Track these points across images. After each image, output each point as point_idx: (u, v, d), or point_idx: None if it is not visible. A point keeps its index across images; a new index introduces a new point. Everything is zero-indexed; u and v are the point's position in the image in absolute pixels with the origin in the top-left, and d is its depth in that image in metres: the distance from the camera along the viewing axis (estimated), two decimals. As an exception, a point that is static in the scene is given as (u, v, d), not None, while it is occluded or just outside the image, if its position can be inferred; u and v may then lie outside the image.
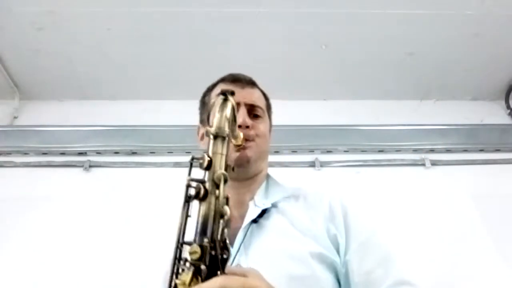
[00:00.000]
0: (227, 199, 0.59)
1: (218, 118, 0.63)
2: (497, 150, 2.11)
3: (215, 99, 0.67)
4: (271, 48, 2.02)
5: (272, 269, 0.67)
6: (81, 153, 2.05)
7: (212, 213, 0.57)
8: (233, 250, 0.78)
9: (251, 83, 0.98)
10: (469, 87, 2.27)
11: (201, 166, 0.60)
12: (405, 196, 1.91)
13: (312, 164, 2.03)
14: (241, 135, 0.78)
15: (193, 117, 2.17)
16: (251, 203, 0.88)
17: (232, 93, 0.67)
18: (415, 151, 2.10)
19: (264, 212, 0.85)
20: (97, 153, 2.06)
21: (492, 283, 1.70)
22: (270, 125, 1.01)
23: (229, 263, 0.75)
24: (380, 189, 1.94)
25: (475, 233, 1.82)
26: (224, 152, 0.62)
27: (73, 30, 1.95)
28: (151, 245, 1.74)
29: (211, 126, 0.63)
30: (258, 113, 0.94)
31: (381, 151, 2.09)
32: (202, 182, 0.59)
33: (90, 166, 2.01)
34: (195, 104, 2.36)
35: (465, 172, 2.03)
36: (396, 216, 1.82)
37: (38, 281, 1.66)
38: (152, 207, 1.85)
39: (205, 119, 0.96)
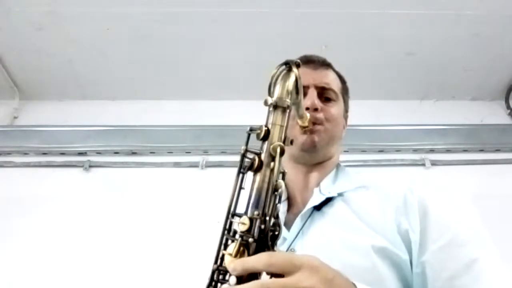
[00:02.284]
0: (283, 174, 0.57)
1: (280, 88, 0.60)
2: (497, 150, 2.11)
3: (277, 69, 0.63)
4: (271, 48, 2.02)
5: (325, 257, 0.61)
6: (81, 153, 2.05)
7: (265, 186, 0.54)
8: (290, 235, 0.75)
9: (325, 64, 0.93)
10: (469, 87, 2.27)
11: (257, 136, 0.57)
12: (405, 196, 1.91)
13: (312, 164, 2.02)
14: (308, 115, 0.75)
15: (193, 117, 2.19)
16: (316, 190, 0.82)
17: (297, 64, 0.63)
18: (415, 151, 2.10)
19: (328, 200, 0.80)
20: (97, 153, 2.06)
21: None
22: (346, 110, 0.96)
23: (283, 248, 0.72)
24: (380, 189, 1.93)
25: (475, 233, 1.82)
26: (284, 123, 0.58)
27: (73, 30, 1.95)
28: (151, 245, 1.74)
29: (272, 97, 0.59)
30: (330, 96, 0.89)
31: (381, 151, 2.09)
32: (257, 153, 0.56)
33: (90, 166, 2.01)
34: (195, 104, 2.38)
35: (465, 172, 2.03)
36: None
37: (38, 281, 1.66)
38: (152, 207, 1.85)
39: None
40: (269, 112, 0.59)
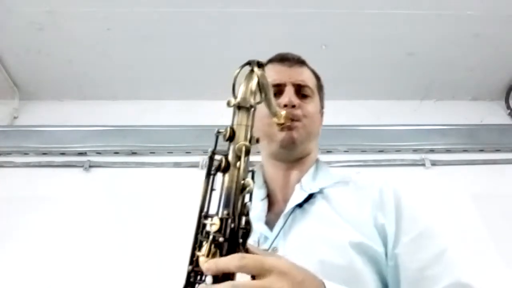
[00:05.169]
0: (252, 172, 0.58)
1: (243, 88, 0.61)
2: (497, 150, 2.11)
3: (240, 69, 0.63)
4: (271, 48, 2.01)
5: (306, 256, 0.65)
6: (81, 153, 2.05)
7: (233, 186, 0.55)
8: (272, 235, 0.77)
9: (299, 62, 0.94)
10: (469, 87, 2.27)
11: (224, 137, 0.58)
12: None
13: (312, 164, 2.02)
14: (283, 113, 0.76)
15: (193, 117, 2.19)
16: (297, 187, 0.83)
17: (259, 64, 0.64)
18: (415, 151, 2.10)
19: (310, 197, 0.81)
20: (97, 153, 2.06)
21: (492, 283, 1.70)
22: (322, 106, 0.97)
23: (265, 246, 0.74)
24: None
25: (475, 233, 1.82)
26: (249, 123, 0.59)
27: (73, 30, 1.95)
28: (150, 245, 1.74)
29: (235, 98, 0.60)
30: (307, 93, 0.90)
31: (381, 151, 2.09)
32: (224, 154, 0.57)
33: (90, 166, 2.01)
34: (195, 104, 2.38)
35: (465, 172, 2.03)
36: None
37: (38, 281, 1.66)
38: (152, 207, 1.85)
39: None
40: (234, 113, 0.60)
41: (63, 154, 2.05)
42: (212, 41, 2.01)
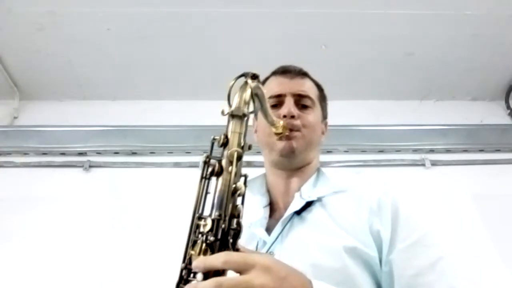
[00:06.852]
0: (245, 177, 0.62)
1: (237, 98, 0.66)
2: (497, 150, 2.11)
3: (234, 81, 0.68)
4: (271, 48, 2.02)
5: (300, 260, 0.68)
6: (81, 153, 2.05)
7: (226, 189, 0.58)
8: (270, 239, 0.80)
9: (301, 73, 0.98)
10: (469, 87, 2.27)
11: (218, 143, 0.62)
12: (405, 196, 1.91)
13: (312, 164, 2.02)
14: (281, 122, 0.81)
15: (193, 117, 2.18)
16: (296, 195, 0.86)
17: (253, 76, 0.68)
18: (415, 151, 2.10)
19: (308, 205, 0.83)
20: (97, 153, 2.06)
21: (492, 283, 1.70)
22: (324, 116, 0.99)
23: (263, 250, 0.77)
24: (380, 189, 1.93)
25: (475, 233, 1.82)
26: (243, 131, 0.63)
27: (73, 30, 1.95)
28: (150, 245, 1.74)
29: (230, 107, 0.65)
30: (307, 103, 0.92)
31: (381, 151, 2.09)
32: (218, 159, 0.61)
33: (90, 166, 2.01)
34: (195, 104, 2.37)
35: (465, 172, 2.03)
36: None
37: (38, 281, 1.67)
38: (152, 207, 1.85)
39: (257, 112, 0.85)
40: (228, 121, 0.64)
41: (63, 154, 2.05)
42: (212, 41, 2.01)
